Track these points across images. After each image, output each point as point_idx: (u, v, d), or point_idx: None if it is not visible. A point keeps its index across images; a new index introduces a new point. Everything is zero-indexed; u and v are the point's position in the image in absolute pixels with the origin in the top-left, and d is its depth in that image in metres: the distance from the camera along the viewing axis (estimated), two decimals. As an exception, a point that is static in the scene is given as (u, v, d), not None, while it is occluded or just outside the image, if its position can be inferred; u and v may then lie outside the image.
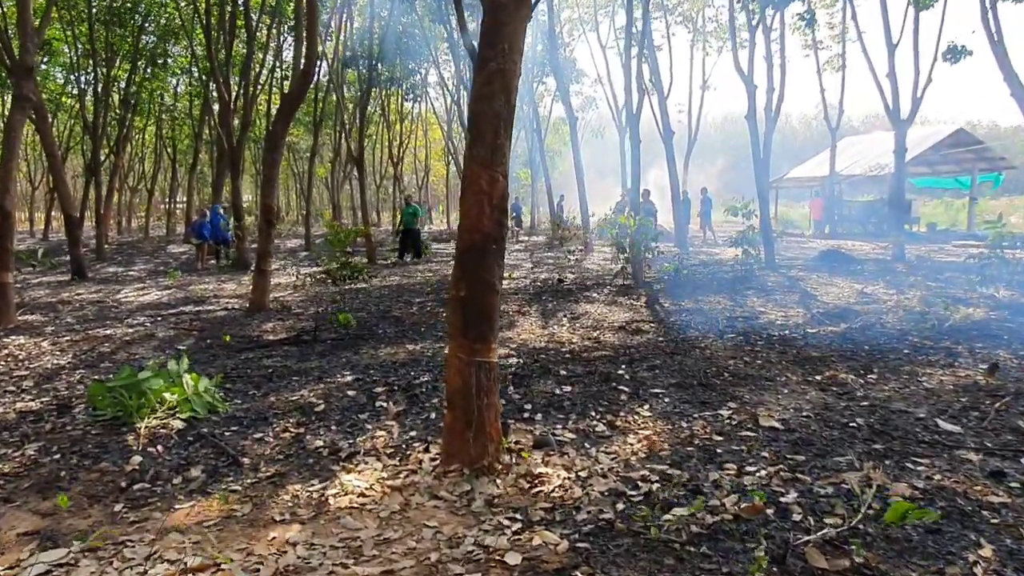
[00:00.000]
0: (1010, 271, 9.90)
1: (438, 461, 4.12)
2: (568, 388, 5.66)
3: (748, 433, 4.53)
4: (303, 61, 9.91)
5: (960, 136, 22.71)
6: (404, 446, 4.43)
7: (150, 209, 36.43)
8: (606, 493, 3.64)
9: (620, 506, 3.47)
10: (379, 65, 19.64)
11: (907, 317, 8.26)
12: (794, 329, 7.97)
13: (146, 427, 4.71)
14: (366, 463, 4.15)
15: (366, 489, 3.75)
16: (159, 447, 4.46)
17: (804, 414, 4.89)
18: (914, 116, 14.81)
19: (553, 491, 3.70)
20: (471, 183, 3.99)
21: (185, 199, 37.53)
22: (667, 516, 3.31)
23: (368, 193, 23.69)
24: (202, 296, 12.48)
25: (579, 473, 3.93)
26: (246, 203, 29.18)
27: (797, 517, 3.27)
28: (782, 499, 3.46)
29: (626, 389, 5.59)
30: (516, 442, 4.38)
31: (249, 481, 3.92)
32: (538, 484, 3.79)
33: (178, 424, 4.82)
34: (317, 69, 10.12)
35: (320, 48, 17.04)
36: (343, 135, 23.00)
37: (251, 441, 4.58)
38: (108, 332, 8.91)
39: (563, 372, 6.17)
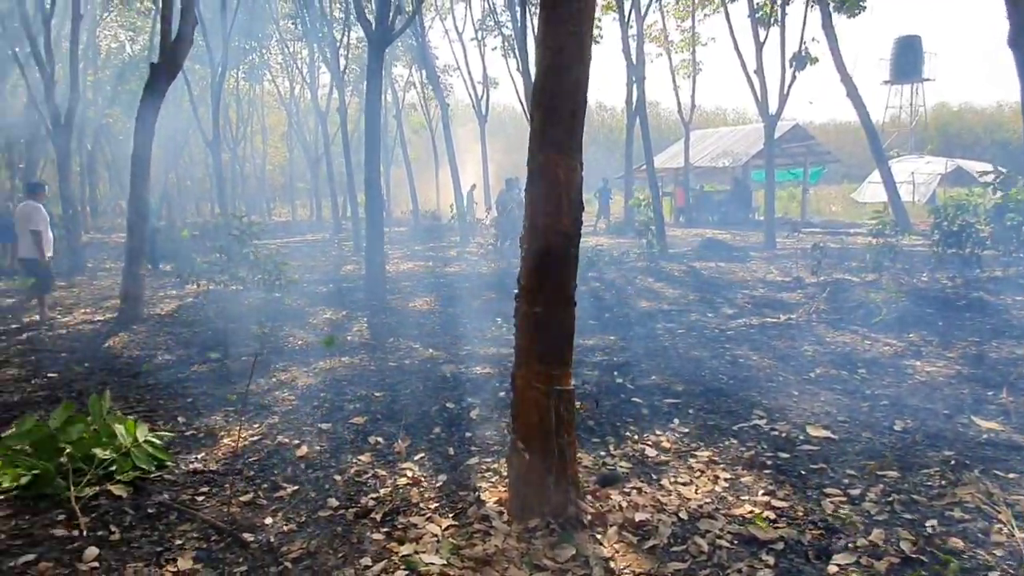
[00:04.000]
0: (893, 256, 10.73)
1: (506, 513, 3.36)
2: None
3: (808, 447, 4.18)
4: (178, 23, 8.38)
5: (796, 131, 24.71)
6: (447, 496, 3.60)
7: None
8: (734, 542, 3.09)
9: (767, 557, 2.94)
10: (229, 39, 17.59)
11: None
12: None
13: (78, 499, 3.47)
14: (415, 525, 3.28)
15: (444, 567, 2.91)
16: (112, 528, 3.28)
17: (840, 419, 4.65)
18: (781, 111, 15.66)
19: (670, 544, 3.09)
20: (545, 173, 3.23)
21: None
22: (832, 568, 2.83)
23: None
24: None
25: (679, 515, 3.35)
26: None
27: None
28: (944, 539, 3.09)
29: (640, 400, 5.08)
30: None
31: (275, 571, 2.93)
32: (647, 536, 3.16)
33: (122, 491, 3.61)
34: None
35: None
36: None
37: (241, 507, 3.51)
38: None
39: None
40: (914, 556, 2.90)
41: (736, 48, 15.86)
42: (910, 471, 3.77)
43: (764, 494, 3.56)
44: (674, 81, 22.64)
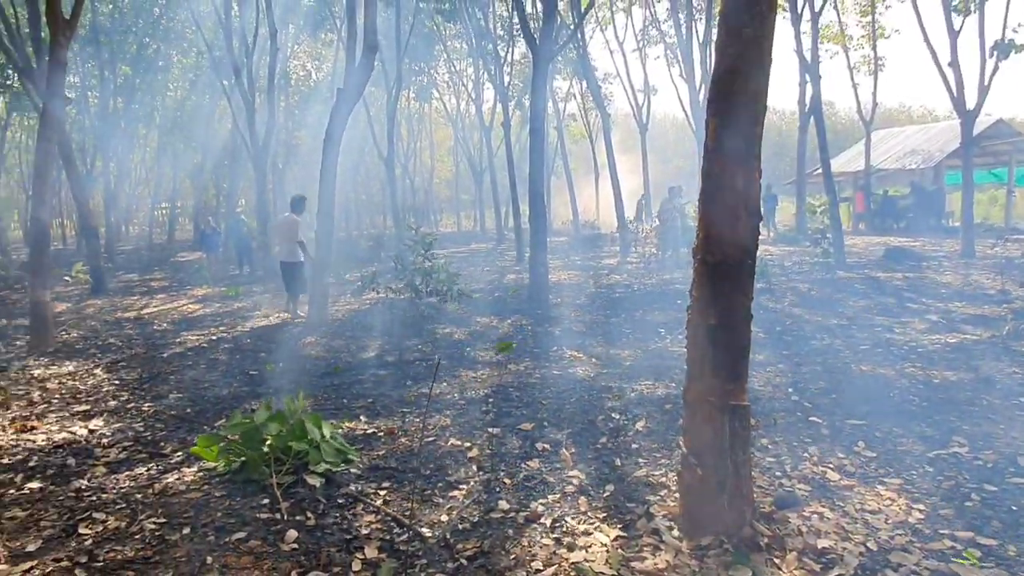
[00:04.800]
0: None
1: (676, 528, 3.30)
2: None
3: (1020, 480, 3.73)
4: (361, 50, 9.08)
5: (998, 127, 22.09)
6: (615, 507, 3.59)
7: (154, 215, 35.28)
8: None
9: (973, 600, 2.66)
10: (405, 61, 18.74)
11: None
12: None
13: (279, 485, 3.84)
14: (585, 533, 3.31)
15: (615, 577, 2.91)
16: (308, 514, 3.60)
17: (1061, 451, 4.10)
18: (981, 106, 14.10)
19: (854, 574, 2.89)
20: (721, 182, 3.15)
21: (179, 203, 36.61)
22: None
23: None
24: (240, 310, 11.58)
25: (867, 545, 3.12)
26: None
27: None
28: None
29: (819, 420, 4.79)
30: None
31: (451, 567, 3.08)
32: (830, 565, 2.97)
33: (315, 481, 3.96)
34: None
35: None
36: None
37: (419, 503, 3.72)
38: (160, 354, 8.01)
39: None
40: None
41: (926, 39, 14.53)
42: None
43: (967, 529, 3.22)
44: (852, 79, 21.15)
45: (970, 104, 14.11)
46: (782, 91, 63.02)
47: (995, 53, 14.20)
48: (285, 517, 3.56)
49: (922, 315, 8.39)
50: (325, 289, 9.99)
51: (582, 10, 16.02)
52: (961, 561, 2.94)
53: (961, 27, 14.13)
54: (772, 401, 5.24)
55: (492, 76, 22.55)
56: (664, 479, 3.90)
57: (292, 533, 3.37)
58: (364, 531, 3.42)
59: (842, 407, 5.05)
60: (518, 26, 16.94)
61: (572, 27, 14.93)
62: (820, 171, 23.28)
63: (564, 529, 3.36)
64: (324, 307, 9.91)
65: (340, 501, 3.77)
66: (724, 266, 3.15)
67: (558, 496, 3.74)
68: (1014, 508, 3.42)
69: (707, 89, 6.04)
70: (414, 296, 10.02)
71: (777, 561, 3.01)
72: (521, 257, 16.97)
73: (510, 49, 25.95)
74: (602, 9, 26.23)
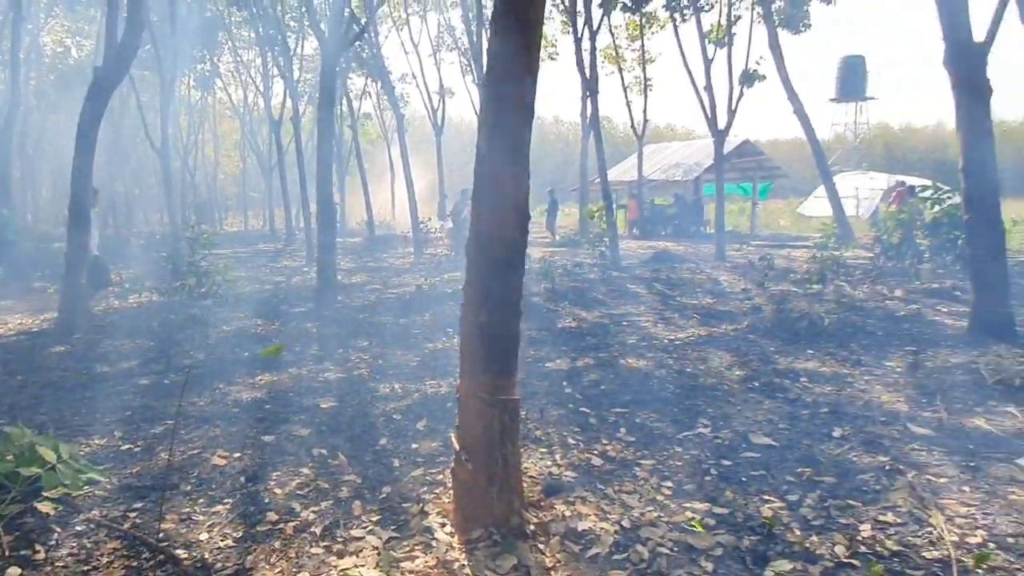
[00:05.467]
0: (836, 268, 11.08)
1: (449, 524, 3.33)
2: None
3: (750, 455, 4.26)
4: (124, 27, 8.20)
5: (745, 146, 25.32)
6: (391, 509, 3.55)
7: None
8: (674, 549, 3.12)
9: (706, 564, 2.98)
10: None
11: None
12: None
13: (1, 518, 3.31)
14: (357, 538, 3.23)
15: (383, 580, 2.87)
16: (37, 547, 3.14)
17: (781, 427, 4.75)
18: (730, 126, 16.04)
19: (611, 553, 3.11)
20: (491, 182, 3.24)
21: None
22: (769, 573, 2.88)
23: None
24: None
25: (621, 523, 3.37)
26: None
27: None
28: (879, 548, 3.16)
29: (588, 410, 5.11)
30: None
31: (208, 587, 2.85)
32: (589, 545, 3.17)
33: (48, 508, 3.47)
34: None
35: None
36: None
37: (175, 523, 3.40)
38: None
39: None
40: (847, 561, 2.97)
41: (686, 65, 16.18)
42: (847, 477, 3.87)
43: (706, 501, 3.61)
44: (626, 97, 22.96)
45: (721, 124, 15.97)
46: (572, 105, 67.09)
47: (742, 81, 16.24)
48: (7, 553, 3.08)
49: (681, 312, 9.32)
50: (80, 291, 8.87)
51: (374, 4, 15.81)
52: (693, 528, 3.28)
53: (714, 56, 15.95)
54: (548, 395, 5.51)
55: (282, 69, 21.51)
56: (441, 476, 3.93)
57: (14, 570, 2.93)
58: (106, 560, 3.06)
59: (609, 397, 5.44)
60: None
61: (364, 22, 14.69)
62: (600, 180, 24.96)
63: (335, 536, 3.26)
64: (79, 311, 8.79)
65: (79, 528, 3.34)
66: (494, 264, 3.24)
67: (331, 502, 3.62)
68: (743, 479, 3.89)
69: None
70: (187, 298, 9.24)
71: (541, 547, 3.15)
72: (311, 258, 16.37)
73: (301, 41, 24.89)
74: (397, 9, 26.11)
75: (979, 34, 7.21)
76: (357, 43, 17.52)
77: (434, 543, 3.17)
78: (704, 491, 3.74)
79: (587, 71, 15.16)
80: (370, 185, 27.08)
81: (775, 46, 18.55)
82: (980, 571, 2.86)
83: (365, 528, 3.33)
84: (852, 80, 36.30)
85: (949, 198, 11.43)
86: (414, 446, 4.44)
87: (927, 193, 12.20)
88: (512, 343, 3.30)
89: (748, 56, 15.80)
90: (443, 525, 3.32)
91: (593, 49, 15.31)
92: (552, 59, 25.96)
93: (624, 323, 8.64)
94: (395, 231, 25.79)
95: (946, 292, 9.87)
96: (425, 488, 3.80)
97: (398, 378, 6.13)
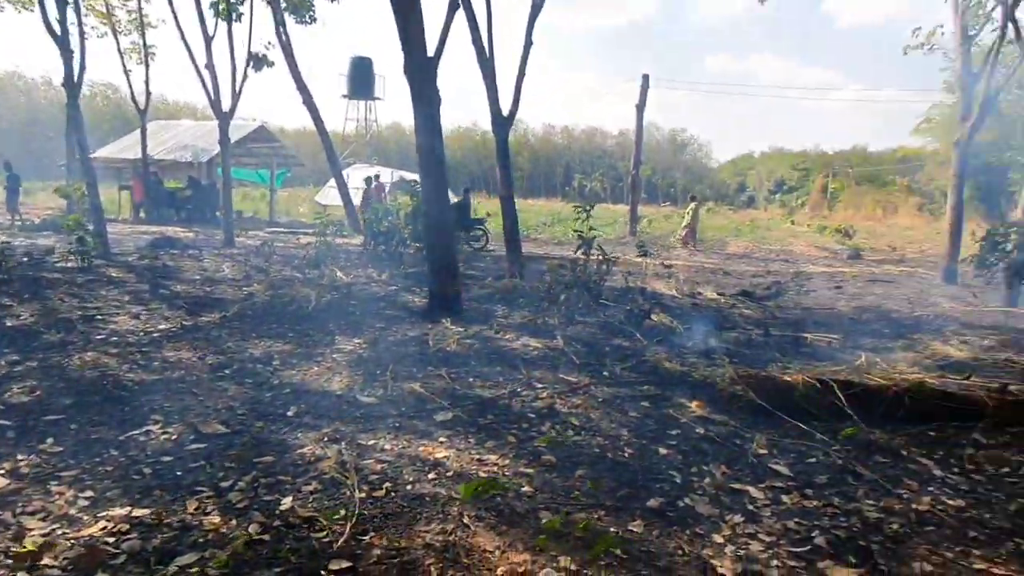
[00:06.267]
0: (334, 254, 11.75)
1: None
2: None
3: (197, 446, 4.12)
4: None
5: (261, 132, 24.91)
6: None
7: None
8: (69, 568, 2.78)
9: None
10: None
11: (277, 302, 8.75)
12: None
13: None
14: None
15: None
16: None
17: (240, 412, 4.73)
18: (235, 109, 15.54)
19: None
20: None
21: None
22: (172, 569, 2.78)
23: None
24: None
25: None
26: None
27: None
28: (292, 519, 3.31)
29: (7, 422, 4.30)
30: None
31: None
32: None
33: None
34: None
35: None
36: None
37: None
38: None
39: None
40: (259, 537, 3.05)
41: (183, 38, 15.18)
42: (286, 453, 4.02)
43: (127, 505, 3.34)
44: (124, 64, 20.55)
45: (226, 107, 15.41)
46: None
47: (250, 64, 15.93)
48: None
49: (169, 301, 8.68)
50: None
51: None
52: (102, 540, 3.00)
53: (214, 33, 15.22)
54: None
55: None
56: None
57: None
58: None
59: (40, 405, 4.68)
60: None
61: None
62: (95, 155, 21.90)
63: None
64: None
65: None
66: None
67: None
68: (179, 473, 3.73)
69: None
70: None
71: None
72: None
73: None
74: None
75: (432, 50, 8.32)
76: None
77: None
78: (130, 495, 3.45)
79: (56, 27, 12.97)
80: None
81: (283, 34, 18.72)
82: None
83: None
84: (362, 79, 38.80)
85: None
86: None
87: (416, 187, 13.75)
88: None
89: (251, 36, 15.53)
90: None
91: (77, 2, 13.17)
92: (27, 9, 21.54)
93: (97, 318, 7.64)
94: None
95: (423, 275, 11.26)
96: None
97: None
